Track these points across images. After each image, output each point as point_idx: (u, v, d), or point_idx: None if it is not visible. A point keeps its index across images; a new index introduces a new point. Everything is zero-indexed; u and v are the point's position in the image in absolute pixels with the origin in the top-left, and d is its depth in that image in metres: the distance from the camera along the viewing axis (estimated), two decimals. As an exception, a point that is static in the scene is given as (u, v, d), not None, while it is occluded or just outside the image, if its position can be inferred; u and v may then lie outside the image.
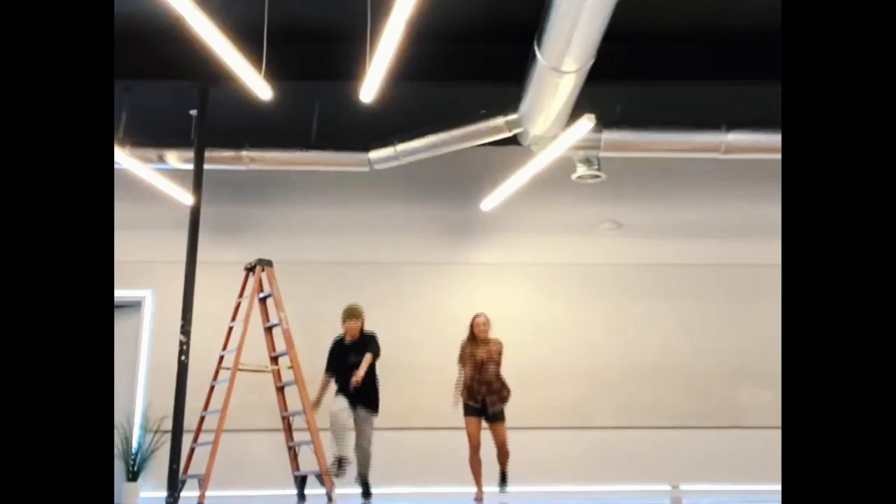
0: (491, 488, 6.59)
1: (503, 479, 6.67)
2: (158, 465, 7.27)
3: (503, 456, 6.61)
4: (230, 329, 7.05)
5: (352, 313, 6.61)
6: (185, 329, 6.40)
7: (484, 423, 6.59)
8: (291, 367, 6.78)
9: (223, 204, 8.07)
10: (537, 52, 5.36)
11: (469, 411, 6.57)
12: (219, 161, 7.42)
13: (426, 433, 7.11)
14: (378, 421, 6.43)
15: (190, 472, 6.68)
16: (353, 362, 6.39)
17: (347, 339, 6.62)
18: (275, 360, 7.16)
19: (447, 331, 7.32)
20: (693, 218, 8.50)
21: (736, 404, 8.10)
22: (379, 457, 6.35)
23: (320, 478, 6.45)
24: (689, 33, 6.52)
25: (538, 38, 5.27)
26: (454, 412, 6.55)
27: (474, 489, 6.58)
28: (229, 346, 6.91)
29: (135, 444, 7.69)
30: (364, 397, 6.41)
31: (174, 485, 6.29)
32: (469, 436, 6.54)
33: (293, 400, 6.75)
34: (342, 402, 6.33)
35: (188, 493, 6.49)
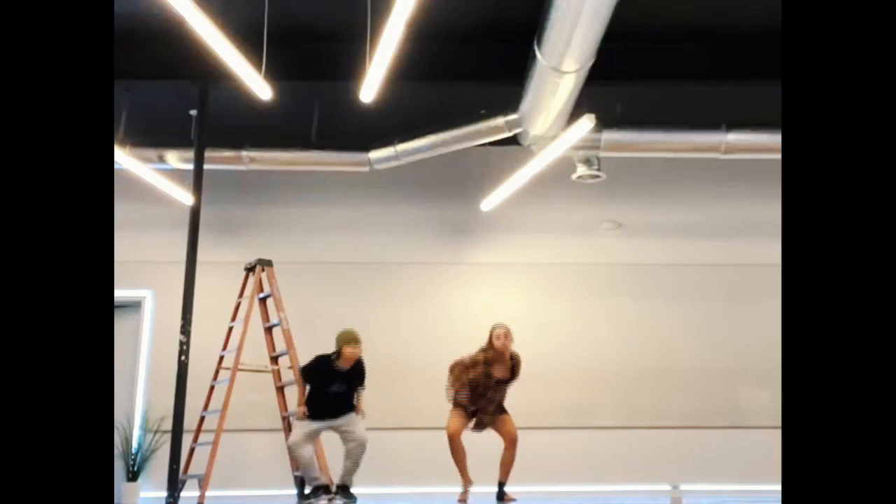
0: (483, 488, 6.11)
1: (501, 494, 6.05)
2: (158, 465, 7.27)
3: (509, 458, 6.03)
4: (230, 329, 7.07)
5: (352, 338, 6.00)
6: (185, 329, 6.40)
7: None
8: (291, 367, 6.79)
9: (223, 204, 8.07)
10: (537, 52, 5.36)
11: (459, 406, 6.06)
12: (219, 161, 7.42)
13: (425, 433, 7.09)
14: (376, 421, 6.40)
15: (190, 472, 6.69)
16: (336, 392, 6.00)
17: (341, 364, 6.01)
18: (275, 360, 7.18)
19: (447, 331, 7.33)
20: (693, 218, 8.49)
21: (736, 404, 8.09)
22: (377, 457, 6.32)
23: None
24: (689, 33, 6.51)
25: (538, 38, 5.27)
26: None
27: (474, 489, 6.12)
28: (229, 346, 6.93)
29: (135, 444, 7.68)
30: (345, 409, 6.06)
31: (174, 485, 6.30)
32: (449, 425, 6.01)
33: (293, 400, 6.74)
34: (302, 430, 5.95)
35: (188, 493, 6.49)
